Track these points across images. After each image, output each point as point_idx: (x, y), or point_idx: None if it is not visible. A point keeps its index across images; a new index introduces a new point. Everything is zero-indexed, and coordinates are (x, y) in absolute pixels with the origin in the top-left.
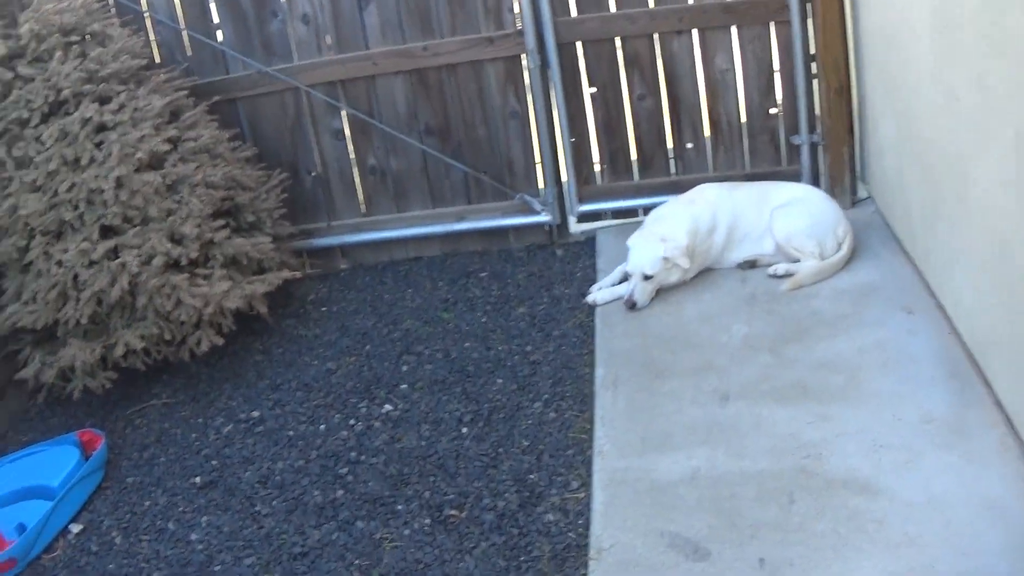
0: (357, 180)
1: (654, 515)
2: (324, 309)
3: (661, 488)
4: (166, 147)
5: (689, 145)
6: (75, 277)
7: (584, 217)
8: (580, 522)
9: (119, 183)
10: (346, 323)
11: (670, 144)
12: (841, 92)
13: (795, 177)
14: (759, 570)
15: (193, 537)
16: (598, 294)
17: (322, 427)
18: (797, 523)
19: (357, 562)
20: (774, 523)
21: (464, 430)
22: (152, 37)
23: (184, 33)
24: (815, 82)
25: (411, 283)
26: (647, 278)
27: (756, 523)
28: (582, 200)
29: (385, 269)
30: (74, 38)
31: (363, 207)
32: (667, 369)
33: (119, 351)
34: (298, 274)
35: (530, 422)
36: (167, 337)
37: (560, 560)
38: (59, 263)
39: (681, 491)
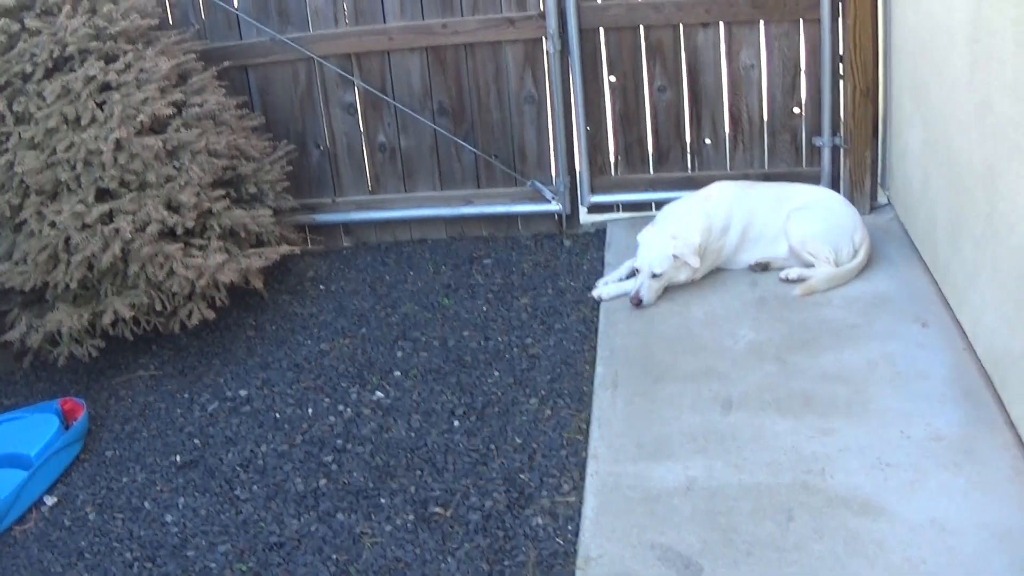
0: (365, 157)
1: (646, 525)
2: (322, 287)
3: (655, 497)
4: (169, 111)
5: (707, 141)
6: (67, 240)
7: (595, 208)
8: (569, 528)
9: (118, 145)
10: (343, 303)
11: (688, 139)
12: (867, 94)
13: (815, 179)
14: None
15: (168, 519)
16: (604, 289)
17: (310, 411)
18: (794, 542)
19: (335, 556)
20: (770, 541)
21: (456, 423)
22: None
23: None
24: (841, 83)
25: (414, 265)
26: (655, 276)
27: (751, 540)
28: (594, 191)
29: (388, 250)
30: None
31: (370, 185)
32: (669, 372)
33: (108, 319)
34: (297, 250)
35: (524, 419)
36: (157, 307)
37: (546, 567)
38: (52, 224)
39: (675, 502)
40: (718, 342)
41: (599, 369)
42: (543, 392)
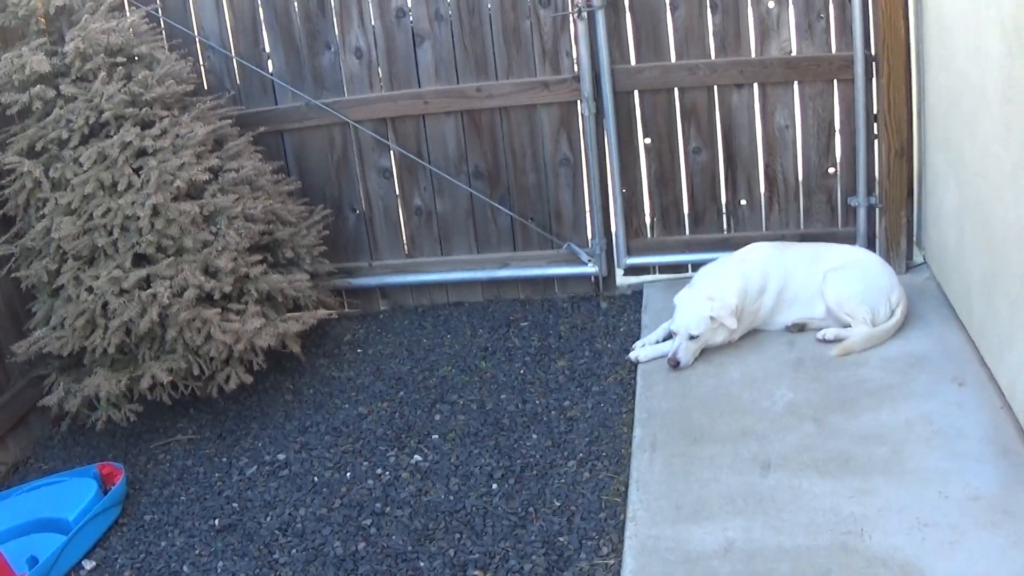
0: (402, 220)
1: None
2: (359, 351)
3: (694, 560)
4: (206, 176)
5: (743, 202)
6: (104, 305)
7: (632, 270)
8: None
9: (155, 211)
10: (381, 367)
11: (723, 200)
12: (902, 154)
13: (850, 239)
14: None
15: None
16: (641, 351)
17: (348, 475)
18: None
19: None
20: None
21: (494, 486)
22: (201, 63)
23: (234, 60)
24: (875, 143)
25: (450, 329)
26: (692, 337)
27: None
28: (631, 253)
29: (425, 313)
30: (120, 59)
31: (406, 248)
32: (707, 434)
33: (145, 383)
34: (334, 314)
35: (563, 481)
36: (195, 372)
37: None
38: (89, 289)
39: (714, 564)
40: (756, 403)
41: (637, 431)
42: (581, 454)
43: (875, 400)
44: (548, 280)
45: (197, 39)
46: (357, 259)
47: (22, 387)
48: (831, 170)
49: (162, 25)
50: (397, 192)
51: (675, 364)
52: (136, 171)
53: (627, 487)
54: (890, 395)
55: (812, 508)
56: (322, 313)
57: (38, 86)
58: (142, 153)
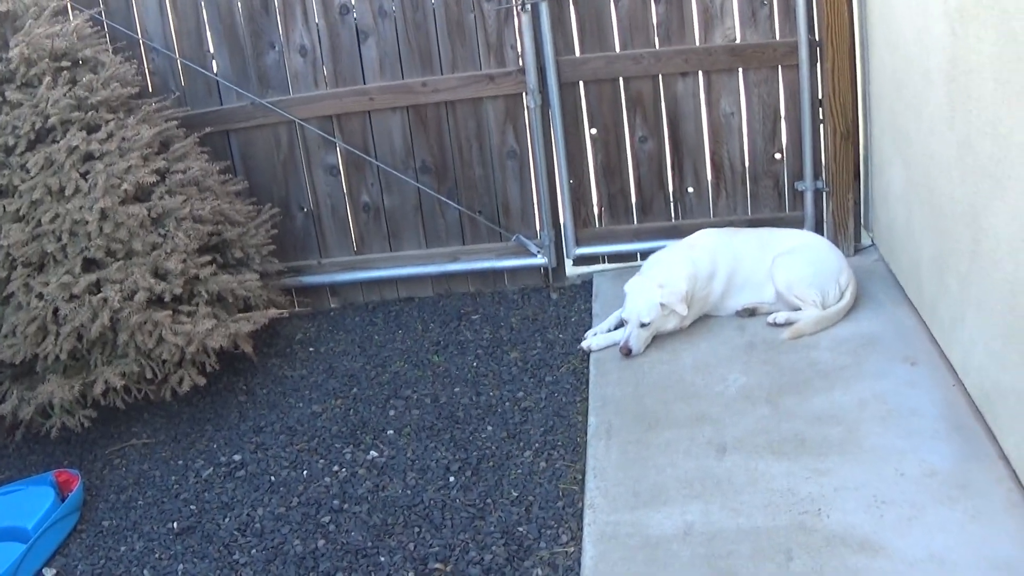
0: (350, 217)
1: (646, 573)
2: (311, 349)
3: (654, 544)
4: (153, 179)
5: (690, 189)
6: (55, 311)
7: (581, 260)
8: None
9: (103, 215)
10: (333, 364)
11: (671, 188)
12: (848, 137)
13: (798, 223)
14: None
15: None
16: (593, 340)
17: (305, 473)
18: None
19: None
20: None
21: (451, 479)
22: (146, 65)
23: (178, 61)
24: (821, 127)
25: (402, 324)
26: (644, 325)
27: None
28: (579, 243)
29: (376, 309)
30: (65, 63)
31: (355, 245)
32: (661, 419)
33: (99, 388)
34: (285, 313)
35: (520, 471)
36: (148, 375)
37: None
38: (40, 296)
39: (674, 548)
40: (709, 388)
41: (592, 419)
42: (537, 444)
43: (828, 382)
44: (498, 273)
45: (141, 41)
46: (306, 257)
47: None
48: (777, 155)
49: (106, 28)
50: (344, 189)
51: (627, 352)
52: (83, 175)
53: (584, 475)
54: (843, 376)
55: (769, 489)
56: (273, 312)
57: None
58: (89, 157)
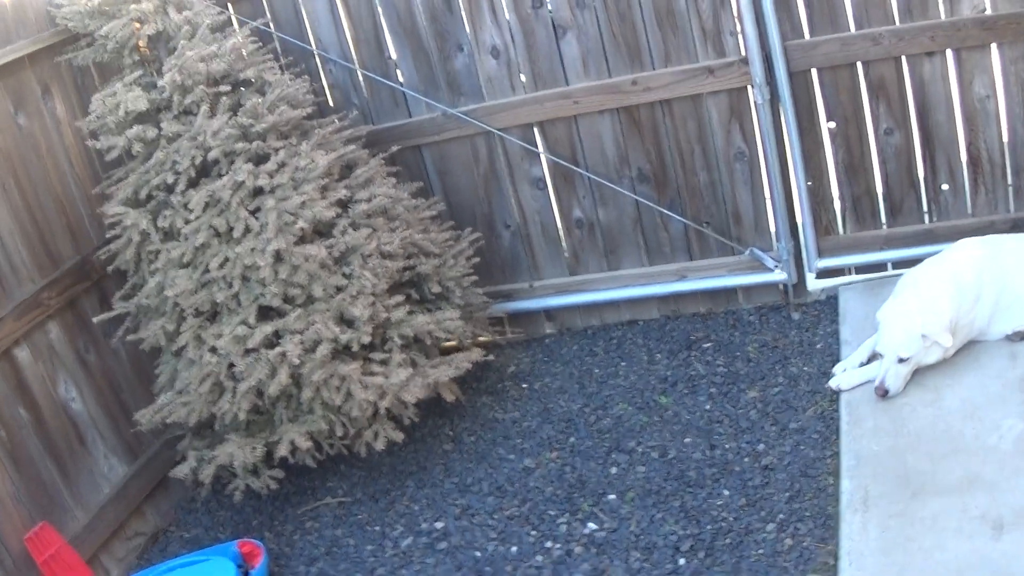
0: (561, 234)
1: None
2: (525, 386)
3: None
4: (333, 212)
5: (945, 187)
6: (230, 366)
7: (824, 274)
8: None
9: (278, 257)
10: (549, 405)
11: (922, 186)
12: None
13: None
14: None
15: None
16: (843, 377)
17: (513, 549)
18: None
19: None
20: None
21: (681, 561)
22: (323, 78)
23: (358, 72)
24: None
25: (624, 354)
26: (902, 360)
27: None
28: (822, 254)
29: (596, 335)
30: (223, 88)
31: (569, 265)
32: (926, 484)
33: (284, 449)
34: (491, 357)
35: (761, 552)
36: (339, 432)
37: None
38: (213, 350)
39: None
40: (981, 440)
41: (845, 483)
42: (781, 515)
43: None
44: (731, 291)
45: (316, 53)
46: (516, 280)
47: (157, 449)
48: None
49: (276, 42)
50: (553, 203)
51: (883, 393)
52: (253, 213)
53: (837, 559)
54: None
55: None
56: (477, 356)
57: (136, 127)
58: (258, 192)
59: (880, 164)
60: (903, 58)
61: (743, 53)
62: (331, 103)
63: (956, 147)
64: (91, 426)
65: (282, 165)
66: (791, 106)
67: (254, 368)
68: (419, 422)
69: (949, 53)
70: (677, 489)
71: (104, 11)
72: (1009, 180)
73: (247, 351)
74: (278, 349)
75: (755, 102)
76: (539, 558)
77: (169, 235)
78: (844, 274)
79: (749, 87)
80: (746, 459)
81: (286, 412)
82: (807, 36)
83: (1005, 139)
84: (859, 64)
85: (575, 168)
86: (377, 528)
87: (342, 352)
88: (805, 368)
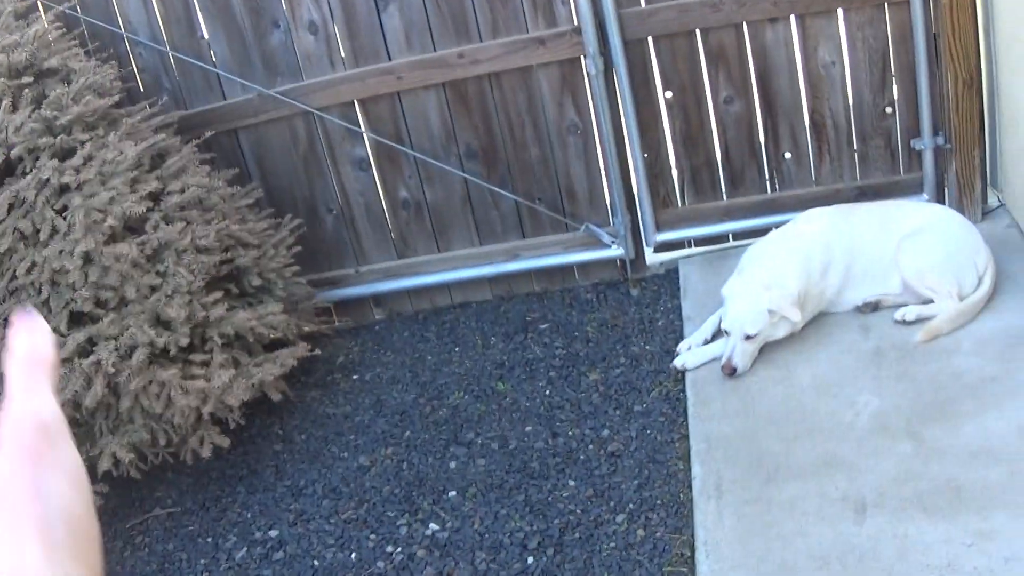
0: (387, 216)
1: None
2: (355, 377)
3: None
4: (143, 207)
5: (787, 155)
6: None
7: (663, 247)
8: None
9: (87, 258)
10: (382, 397)
11: (764, 155)
12: (971, 84)
13: (916, 187)
14: None
15: None
16: (687, 356)
17: (353, 555)
18: None
19: None
20: None
21: (530, 560)
22: (133, 63)
23: (169, 55)
24: (938, 74)
25: (458, 339)
26: (749, 337)
27: None
28: (660, 228)
29: (427, 320)
30: (26, 79)
31: (397, 248)
32: (781, 466)
33: (105, 464)
34: (317, 351)
35: (613, 545)
36: (162, 441)
37: None
38: None
39: None
40: (835, 417)
41: (696, 469)
42: (631, 505)
43: (977, 401)
44: (566, 269)
45: (125, 36)
46: (341, 266)
47: None
48: (888, 109)
49: (83, 25)
50: (378, 184)
51: (731, 371)
52: (60, 213)
53: (693, 549)
54: (993, 392)
55: (926, 566)
56: (302, 352)
57: None
58: (64, 190)
59: (720, 134)
60: (744, 24)
61: (576, 22)
62: (141, 88)
63: (800, 115)
64: None
65: (89, 159)
66: (626, 76)
67: (68, 380)
68: (246, 424)
69: (793, 19)
70: (520, 482)
71: None
72: (856, 147)
73: (62, 361)
74: (92, 358)
75: (588, 73)
76: (380, 564)
77: None
78: (684, 247)
79: (582, 57)
80: (591, 446)
81: (106, 423)
82: (643, 4)
83: (851, 106)
84: (698, 31)
85: (400, 147)
86: (210, 540)
87: (160, 356)
88: (647, 347)
